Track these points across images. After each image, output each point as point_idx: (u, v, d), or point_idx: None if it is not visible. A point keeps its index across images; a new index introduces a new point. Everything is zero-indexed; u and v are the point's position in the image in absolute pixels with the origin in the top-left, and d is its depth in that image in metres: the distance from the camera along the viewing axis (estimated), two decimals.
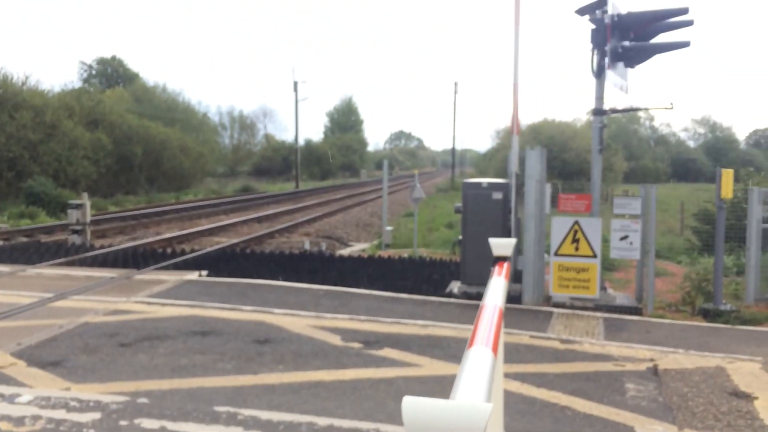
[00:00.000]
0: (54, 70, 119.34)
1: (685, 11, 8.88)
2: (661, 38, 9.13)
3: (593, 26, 8.85)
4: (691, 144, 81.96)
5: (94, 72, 64.06)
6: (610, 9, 8.72)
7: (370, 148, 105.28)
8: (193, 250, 13.26)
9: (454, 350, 6.26)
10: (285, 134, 73.30)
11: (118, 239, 16.74)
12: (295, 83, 51.98)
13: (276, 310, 7.78)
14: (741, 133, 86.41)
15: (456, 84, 58.83)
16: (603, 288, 8.99)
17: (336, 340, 6.62)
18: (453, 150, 63.50)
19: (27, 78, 29.64)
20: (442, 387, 5.12)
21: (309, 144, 71.24)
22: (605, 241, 8.91)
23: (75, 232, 14.29)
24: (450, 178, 56.02)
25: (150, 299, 8.28)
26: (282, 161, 65.06)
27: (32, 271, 10.25)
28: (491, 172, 35.89)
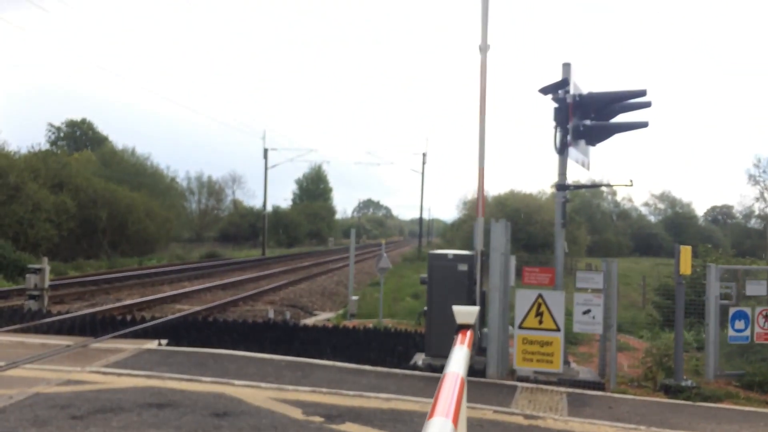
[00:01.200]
0: (21, 132, 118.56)
1: (643, 93, 9.29)
2: (621, 118, 9.49)
3: (556, 105, 9.17)
4: (652, 219, 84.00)
5: (62, 134, 63.79)
6: (572, 89, 9.07)
7: (338, 215, 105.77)
8: (153, 318, 12.98)
9: (416, 425, 6.16)
10: (253, 200, 73.19)
11: (76, 305, 16.32)
12: (266, 150, 52.42)
13: (236, 382, 7.60)
14: (700, 209, 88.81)
15: (424, 155, 59.91)
16: (566, 362, 9.01)
17: (297, 413, 6.48)
18: (420, 220, 64.11)
19: None
20: None
21: (277, 210, 71.27)
22: (569, 314, 8.97)
23: (32, 297, 13.90)
24: (417, 248, 56.28)
25: (106, 369, 8.03)
26: (249, 227, 64.78)
27: None
28: (458, 242, 36.19)
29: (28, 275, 14.03)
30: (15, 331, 10.65)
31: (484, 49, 9.47)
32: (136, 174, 49.99)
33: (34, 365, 8.05)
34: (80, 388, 7.09)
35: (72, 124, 64.22)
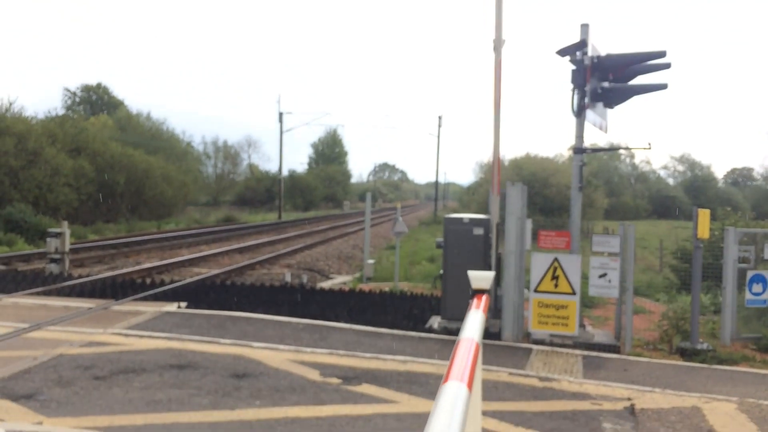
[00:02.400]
0: (38, 97, 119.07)
1: (662, 54, 9.11)
2: (640, 80, 9.34)
3: (573, 67, 9.04)
4: (671, 181, 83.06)
5: (78, 99, 63.98)
6: (590, 51, 8.92)
7: (354, 179, 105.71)
8: (172, 281, 13.15)
9: (432, 387, 6.25)
10: (269, 165, 73.52)
11: (96, 268, 16.57)
12: (281, 114, 52.28)
13: (255, 344, 7.72)
14: (720, 172, 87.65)
15: (440, 118, 59.43)
16: (582, 325, 9.04)
17: (315, 375, 6.58)
18: (436, 184, 63.92)
19: (11, 104, 29.49)
20: (419, 424, 5.09)
21: (293, 175, 71.35)
22: (585, 278, 8.97)
23: (53, 260, 14.13)
24: (433, 212, 56.25)
25: (127, 331, 8.19)
26: (265, 192, 64.98)
27: (8, 300, 10.11)
28: (474, 206, 36.07)
29: (48, 239, 14.23)
30: (37, 293, 10.86)
31: (498, 47, 9.32)
32: (152, 138, 50.17)
33: (57, 327, 8.23)
34: (102, 349, 7.25)
35: (88, 89, 64.34)
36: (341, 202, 77.69)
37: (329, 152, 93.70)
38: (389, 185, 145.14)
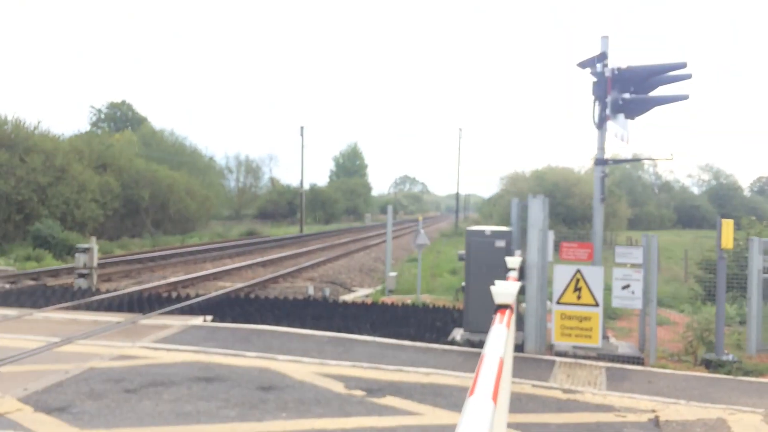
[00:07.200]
0: (63, 117, 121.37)
1: (683, 65, 9.13)
2: (661, 91, 9.35)
3: (594, 79, 9.09)
4: (695, 190, 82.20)
5: (103, 116, 65.18)
6: (611, 63, 8.98)
7: (375, 192, 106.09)
8: (197, 295, 13.34)
9: (456, 399, 6.29)
10: (290, 178, 74.09)
11: (123, 283, 16.84)
12: (302, 128, 52.75)
13: (280, 357, 7.83)
14: (744, 180, 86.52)
15: (460, 130, 59.62)
16: (605, 337, 9.02)
17: (339, 387, 6.66)
18: (457, 195, 63.91)
19: (39, 123, 30.16)
20: None
21: (314, 188, 71.81)
22: (608, 289, 8.97)
23: (81, 275, 14.40)
24: (454, 224, 56.21)
25: (155, 344, 8.34)
26: (287, 205, 65.47)
27: (39, 315, 10.34)
28: (495, 217, 36.04)
29: (77, 254, 14.51)
30: (67, 308, 11.09)
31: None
32: (175, 153, 50.91)
33: (87, 341, 8.41)
34: (132, 362, 7.40)
35: (112, 106, 65.54)
36: (362, 214, 77.94)
37: (350, 165, 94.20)
38: (410, 197, 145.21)
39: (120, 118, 65.21)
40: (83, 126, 55.64)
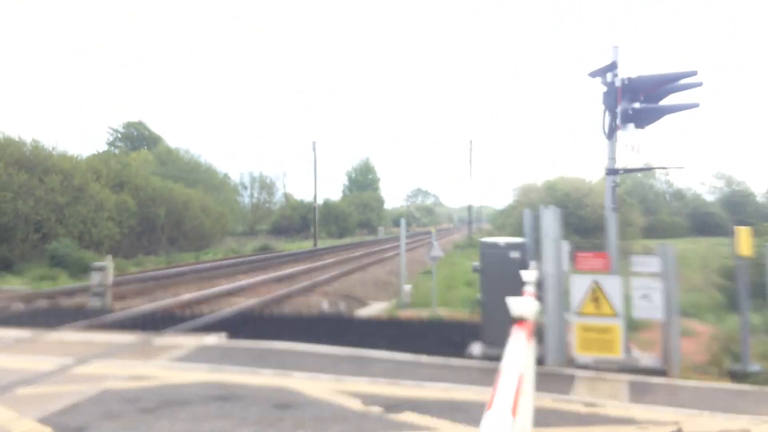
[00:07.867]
0: (80, 138, 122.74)
1: (693, 73, 9.02)
2: (671, 99, 9.25)
3: (604, 89, 9.02)
4: (708, 198, 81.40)
5: (119, 135, 65.98)
6: (621, 72, 8.90)
7: (388, 205, 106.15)
8: (212, 312, 13.32)
9: (474, 413, 6.18)
10: (303, 193, 74.44)
11: (137, 301, 16.86)
12: (314, 143, 52.93)
13: (296, 374, 7.76)
14: (757, 187, 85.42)
15: (471, 142, 59.53)
16: (627, 349, 8.87)
17: (356, 404, 6.58)
18: (469, 207, 63.75)
19: (57, 144, 30.57)
20: None
21: (327, 203, 71.94)
22: (628, 299, 8.82)
23: (96, 294, 14.43)
24: (467, 235, 56.03)
25: (170, 363, 8.30)
26: (300, 220, 65.64)
27: (53, 335, 10.34)
28: (508, 228, 35.82)
29: (92, 273, 14.55)
30: (81, 328, 11.09)
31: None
32: (190, 171, 51.28)
33: (102, 361, 8.39)
34: (147, 383, 7.36)
35: (129, 125, 66.34)
36: (376, 228, 77.95)
37: (363, 179, 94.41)
38: (423, 210, 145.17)
39: (136, 137, 65.96)
40: (100, 146, 56.40)
